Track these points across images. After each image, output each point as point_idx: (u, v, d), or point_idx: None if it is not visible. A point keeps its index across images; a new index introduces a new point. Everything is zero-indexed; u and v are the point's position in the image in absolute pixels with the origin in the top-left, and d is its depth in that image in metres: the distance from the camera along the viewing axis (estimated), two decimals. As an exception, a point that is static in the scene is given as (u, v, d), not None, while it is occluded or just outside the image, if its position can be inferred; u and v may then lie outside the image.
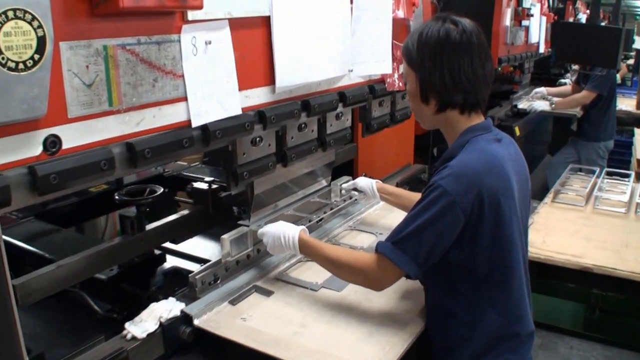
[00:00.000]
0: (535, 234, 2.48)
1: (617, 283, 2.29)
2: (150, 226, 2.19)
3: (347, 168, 2.94)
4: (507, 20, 4.95)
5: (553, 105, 5.59)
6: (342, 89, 2.35)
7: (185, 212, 2.37)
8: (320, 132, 2.32)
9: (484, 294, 1.74)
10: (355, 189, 2.54)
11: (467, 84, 1.72)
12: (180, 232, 2.33)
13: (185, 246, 2.45)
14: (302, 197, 2.43)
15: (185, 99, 1.64)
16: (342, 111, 2.39)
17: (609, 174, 3.41)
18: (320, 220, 2.47)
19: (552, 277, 2.41)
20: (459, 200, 1.61)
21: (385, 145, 3.50)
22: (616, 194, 3.07)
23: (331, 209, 2.56)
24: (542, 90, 5.89)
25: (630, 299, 2.36)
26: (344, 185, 2.59)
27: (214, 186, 2.39)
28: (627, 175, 3.37)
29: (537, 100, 5.74)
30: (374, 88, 2.54)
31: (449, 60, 1.71)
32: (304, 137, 2.21)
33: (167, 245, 2.42)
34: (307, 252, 1.93)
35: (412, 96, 1.83)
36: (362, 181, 2.53)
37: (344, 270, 1.85)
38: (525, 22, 5.44)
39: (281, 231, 1.95)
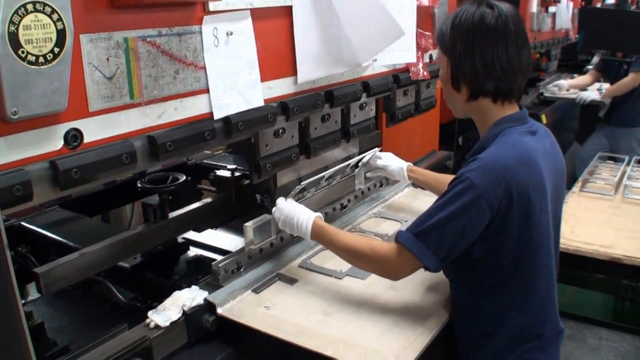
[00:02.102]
0: (564, 224, 2.39)
1: (620, 270, 2.25)
2: (173, 214, 2.16)
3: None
4: (534, 6, 4.85)
5: (602, 93, 5.43)
6: (366, 79, 2.30)
7: (208, 200, 2.35)
8: (344, 123, 2.28)
9: (507, 292, 1.68)
10: (383, 167, 2.47)
11: (501, 71, 1.64)
12: (203, 220, 2.29)
13: (208, 237, 2.41)
14: (327, 185, 2.38)
15: (207, 91, 1.62)
16: (366, 101, 2.35)
17: (639, 162, 3.31)
18: (344, 207, 2.43)
19: (581, 268, 2.35)
20: (486, 195, 1.54)
21: (409, 133, 3.45)
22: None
23: (355, 197, 2.51)
24: (562, 82, 5.74)
25: None
26: (369, 175, 2.54)
27: (237, 174, 2.35)
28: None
29: (586, 90, 5.57)
30: (398, 77, 2.49)
31: (482, 46, 1.63)
32: (327, 128, 2.18)
33: (190, 236, 2.38)
34: (322, 238, 1.86)
35: (444, 82, 1.77)
36: (393, 160, 2.46)
37: (360, 259, 1.79)
38: (552, 9, 5.33)
39: (295, 213, 1.89)
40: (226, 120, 1.67)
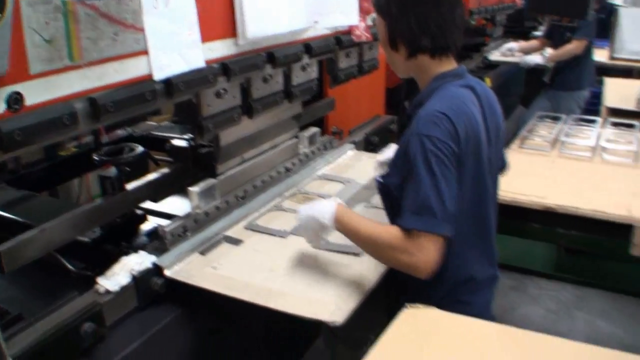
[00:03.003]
0: (503, 178, 2.55)
1: (580, 222, 2.37)
2: (130, 185, 2.18)
3: (318, 122, 2.97)
4: (479, -31, 4.97)
5: (545, 58, 5.60)
6: (308, 41, 2.37)
7: (166, 170, 2.36)
8: (286, 84, 2.35)
9: (456, 239, 1.76)
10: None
11: (436, 28, 1.73)
12: (161, 190, 2.31)
13: (165, 206, 2.42)
14: (270, 148, 2.47)
15: (147, 52, 1.66)
16: (308, 62, 2.42)
17: (575, 120, 3.48)
18: (288, 170, 2.52)
19: (518, 218, 2.49)
20: (445, 140, 1.63)
21: (356, 98, 3.55)
22: (582, 139, 3.14)
23: (299, 160, 2.59)
24: (514, 45, 5.91)
25: (598, 239, 2.43)
26: (306, 134, 2.62)
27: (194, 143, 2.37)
28: (594, 121, 3.43)
29: (530, 55, 5.73)
30: (341, 39, 2.56)
31: (415, 6, 1.73)
32: (269, 89, 2.24)
33: (148, 206, 2.39)
34: (343, 226, 1.77)
35: (384, 44, 1.86)
36: (385, 155, 2.32)
37: (383, 251, 1.71)
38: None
39: (315, 210, 1.81)
40: (167, 81, 1.72)
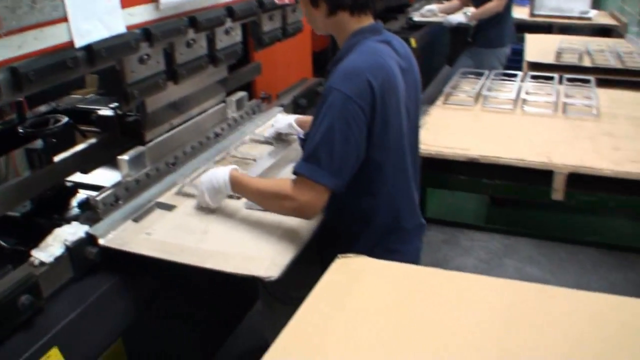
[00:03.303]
0: (427, 132, 2.64)
1: (503, 171, 2.48)
2: (58, 157, 2.16)
3: (245, 87, 2.99)
4: None
5: (468, 16, 5.72)
6: (230, 4, 2.37)
7: (93, 140, 2.34)
8: (210, 48, 2.35)
9: (372, 191, 1.88)
10: (278, 132, 2.54)
11: None
12: (90, 160, 2.28)
13: (96, 178, 2.40)
14: (198, 113, 2.48)
15: (66, 19, 1.64)
16: (231, 26, 2.43)
17: (497, 75, 3.60)
18: (217, 135, 2.53)
19: (446, 171, 2.59)
20: (355, 98, 1.69)
21: (283, 62, 3.57)
22: (503, 92, 3.26)
23: (228, 125, 2.62)
24: (433, 7, 6.01)
25: (522, 187, 2.53)
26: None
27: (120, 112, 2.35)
28: (515, 76, 3.56)
29: (453, 14, 5.84)
30: (263, 2, 2.57)
31: None
32: (193, 54, 2.24)
33: (78, 179, 2.38)
34: (239, 189, 1.92)
35: (303, 2, 1.90)
36: (280, 121, 2.53)
37: (272, 202, 1.85)
38: None
39: (213, 175, 1.94)
40: (89, 48, 1.71)
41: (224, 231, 1.89)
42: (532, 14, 6.56)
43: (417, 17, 5.81)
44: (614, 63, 3.99)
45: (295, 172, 1.76)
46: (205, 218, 1.98)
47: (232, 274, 1.67)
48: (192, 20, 2.14)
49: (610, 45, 4.50)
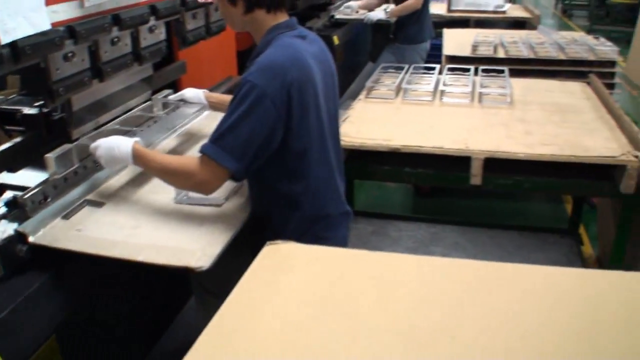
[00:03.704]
0: (350, 126, 2.73)
1: (424, 159, 2.59)
2: None
3: (171, 85, 3.02)
4: None
5: (388, 13, 5.87)
6: (154, 2, 2.41)
7: (19, 139, 2.32)
8: (135, 46, 2.39)
9: (296, 180, 1.97)
10: (182, 100, 2.62)
11: None
12: (16, 159, 2.27)
13: (24, 179, 2.38)
14: (124, 112, 2.51)
15: (-10, 16, 1.66)
16: (155, 24, 2.47)
17: (416, 69, 3.73)
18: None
19: (369, 161, 2.68)
20: (268, 92, 1.78)
21: (208, 61, 3.62)
22: (423, 85, 3.39)
23: (155, 121, 2.65)
24: (352, 4, 6.15)
25: (442, 174, 2.64)
26: (171, 97, 2.67)
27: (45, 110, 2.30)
28: (433, 69, 3.70)
29: (373, 11, 5.98)
30: (186, 1, 2.62)
31: None
32: (118, 51, 2.27)
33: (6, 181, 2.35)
34: (141, 162, 1.98)
35: (221, 0, 1.96)
36: (190, 92, 2.62)
37: (174, 177, 1.95)
38: None
39: (115, 143, 1.98)
40: (13, 45, 1.72)
41: (154, 226, 1.93)
42: (449, 10, 6.78)
43: (338, 15, 5.93)
44: (526, 53, 4.20)
45: (201, 151, 1.85)
46: (135, 212, 2.01)
47: (164, 265, 1.71)
48: (116, 18, 2.18)
49: (523, 37, 4.71)
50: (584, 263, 3.43)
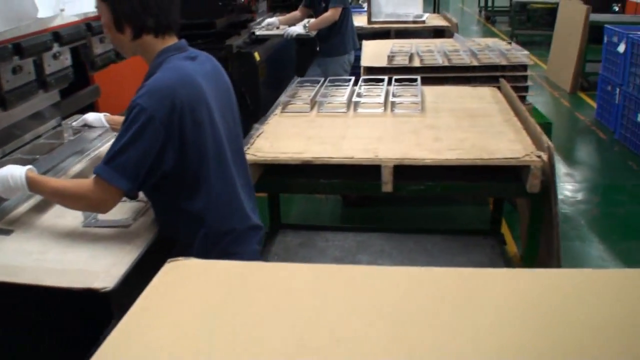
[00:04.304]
0: (264, 141, 2.78)
1: (340, 169, 2.64)
2: None
3: (88, 107, 3.03)
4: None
5: (307, 28, 5.97)
6: (56, 29, 2.43)
7: None
8: (39, 74, 2.40)
9: (198, 197, 2.01)
10: (85, 125, 2.65)
11: (156, 7, 1.93)
12: None
13: None
14: (31, 139, 2.51)
15: None
16: (60, 50, 2.48)
17: (332, 81, 3.81)
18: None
19: (288, 175, 2.74)
20: (157, 115, 1.84)
21: (129, 82, 3.62)
22: (337, 97, 3.46)
23: (62, 147, 2.64)
24: (274, 20, 6.25)
25: (361, 184, 2.69)
26: (74, 123, 2.69)
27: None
28: (349, 80, 3.78)
29: (293, 26, 6.07)
30: (91, 25, 2.65)
31: None
32: (20, 80, 2.28)
33: None
34: (36, 188, 2.00)
35: (108, 28, 1.99)
36: (91, 116, 2.66)
37: (70, 200, 1.99)
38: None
39: (8, 173, 1.99)
40: None
41: (62, 250, 1.94)
42: (370, 21, 6.93)
43: (259, 32, 6.01)
44: (440, 61, 4.34)
45: (94, 172, 1.90)
46: (43, 238, 2.02)
47: (68, 288, 1.73)
48: (17, 47, 2.18)
49: (438, 46, 4.86)
50: (506, 262, 3.55)
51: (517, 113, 3.17)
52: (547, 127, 4.77)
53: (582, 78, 8.66)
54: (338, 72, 5.68)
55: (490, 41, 5.16)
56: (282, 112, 3.36)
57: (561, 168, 5.98)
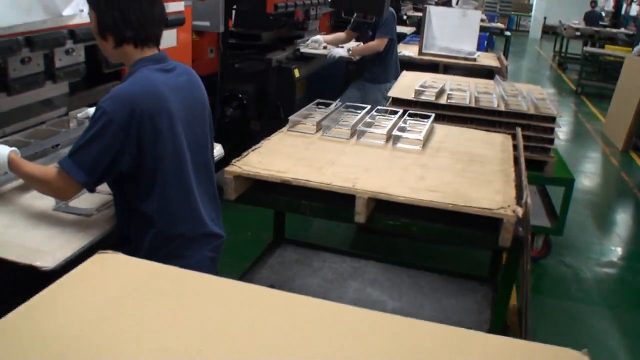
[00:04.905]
0: (256, 156, 2.91)
1: (322, 194, 2.73)
2: None
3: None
4: (281, -33, 5.40)
5: (350, 52, 6.13)
6: (73, 27, 2.64)
7: None
8: (49, 66, 2.62)
9: (150, 199, 2.20)
10: (88, 117, 2.82)
11: (137, 22, 2.14)
12: None
13: None
14: (35, 124, 2.74)
15: None
16: (73, 47, 2.70)
17: (347, 107, 3.91)
18: (57, 146, 2.78)
19: (270, 191, 2.85)
20: (116, 119, 2.05)
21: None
22: (344, 123, 3.54)
23: (70, 139, 2.85)
24: (319, 37, 6.42)
25: (337, 210, 2.76)
26: (79, 115, 2.90)
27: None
28: (363, 109, 3.87)
29: (337, 48, 6.25)
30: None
31: (119, 2, 2.12)
32: (29, 70, 2.51)
33: None
34: (15, 170, 2.21)
35: (95, 34, 2.22)
36: (93, 109, 2.83)
37: (37, 184, 2.21)
38: (307, -29, 5.92)
39: None
40: None
41: (25, 228, 2.15)
42: (420, 52, 7.02)
43: (304, 49, 6.18)
44: (467, 101, 4.40)
45: (59, 163, 2.12)
46: (15, 215, 2.23)
47: (13, 262, 1.92)
48: (28, 40, 2.40)
49: (472, 85, 4.90)
50: (492, 311, 3.56)
51: (517, 163, 3.21)
52: (568, 183, 4.78)
53: (636, 137, 8.52)
54: (377, 99, 5.80)
55: (528, 88, 5.19)
56: (288, 130, 3.48)
57: (588, 228, 5.94)
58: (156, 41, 2.27)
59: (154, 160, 2.15)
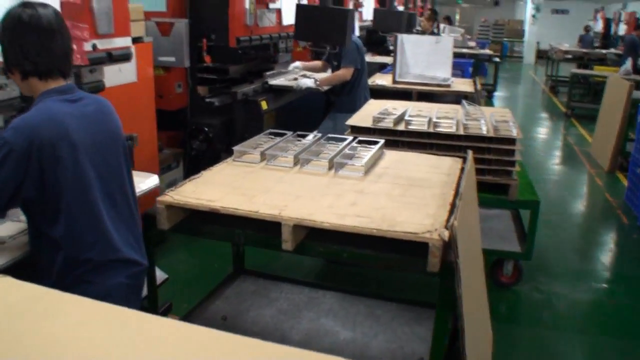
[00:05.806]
0: (192, 185, 2.96)
1: (253, 222, 2.75)
2: None
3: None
4: (247, 3, 5.49)
5: (317, 82, 6.21)
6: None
7: None
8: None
9: (57, 225, 2.24)
10: None
11: (37, 56, 2.20)
12: None
13: None
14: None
15: None
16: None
17: (297, 135, 3.94)
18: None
19: (205, 221, 2.88)
20: (16, 149, 2.10)
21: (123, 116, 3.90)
22: (289, 152, 3.58)
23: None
24: (298, 64, 6.49)
25: (268, 238, 2.75)
26: None
27: None
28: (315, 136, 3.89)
29: (304, 78, 6.34)
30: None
31: (19, 38, 2.19)
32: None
33: None
34: None
35: (5, 69, 2.30)
36: None
37: None
38: (273, 5, 6.01)
39: None
40: None
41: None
42: (394, 81, 7.08)
43: (272, 81, 6.26)
44: (425, 127, 4.43)
45: None
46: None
47: None
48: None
49: (433, 111, 4.92)
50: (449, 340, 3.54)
51: (458, 188, 3.21)
52: (533, 206, 4.74)
53: (621, 157, 8.51)
54: (346, 128, 5.84)
55: (492, 111, 5.22)
56: (233, 160, 3.51)
57: (568, 251, 5.92)
58: (61, 73, 2.33)
59: (56, 187, 2.20)
